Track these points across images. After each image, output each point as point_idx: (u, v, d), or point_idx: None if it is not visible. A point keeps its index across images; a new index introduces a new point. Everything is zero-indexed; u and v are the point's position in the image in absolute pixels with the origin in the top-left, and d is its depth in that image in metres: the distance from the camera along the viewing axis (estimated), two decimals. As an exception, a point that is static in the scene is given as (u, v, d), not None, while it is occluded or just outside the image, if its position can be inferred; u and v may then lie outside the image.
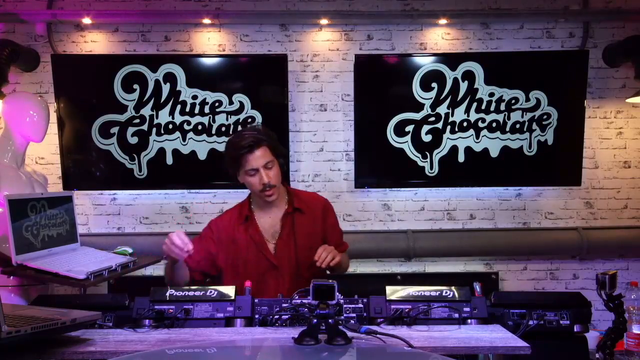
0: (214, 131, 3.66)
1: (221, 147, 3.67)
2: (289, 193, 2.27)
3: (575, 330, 1.73)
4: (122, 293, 1.81)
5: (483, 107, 3.68)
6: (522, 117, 3.68)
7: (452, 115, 3.68)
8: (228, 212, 2.33)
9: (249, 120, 3.66)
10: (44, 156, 3.78)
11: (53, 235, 2.12)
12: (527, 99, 3.67)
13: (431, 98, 3.67)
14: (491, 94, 3.67)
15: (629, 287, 1.77)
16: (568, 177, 3.76)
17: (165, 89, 3.64)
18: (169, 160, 3.68)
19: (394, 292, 1.80)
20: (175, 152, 3.68)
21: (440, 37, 3.80)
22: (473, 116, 3.68)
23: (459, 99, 3.67)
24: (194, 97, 3.64)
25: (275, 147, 2.17)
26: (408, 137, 3.69)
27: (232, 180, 2.21)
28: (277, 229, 2.22)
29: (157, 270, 3.75)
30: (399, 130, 3.68)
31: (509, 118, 3.68)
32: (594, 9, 3.75)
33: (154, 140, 3.66)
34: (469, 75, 3.66)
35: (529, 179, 3.78)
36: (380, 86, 3.69)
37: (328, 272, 2.14)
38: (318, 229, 2.25)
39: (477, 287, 1.86)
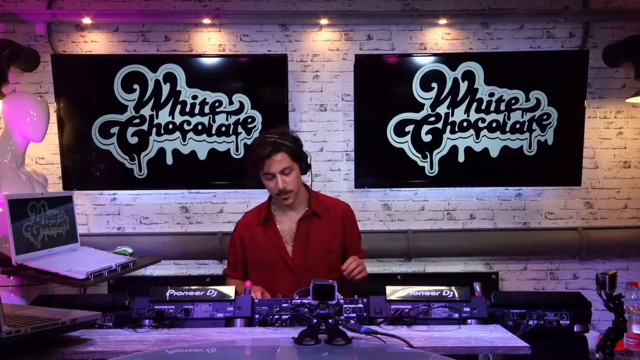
0: (214, 131, 3.66)
1: (221, 147, 3.68)
2: (310, 196, 2.30)
3: (575, 330, 1.73)
4: (122, 293, 1.81)
5: (483, 107, 3.67)
6: (522, 117, 3.68)
7: (452, 115, 3.68)
8: (249, 212, 2.39)
9: (249, 120, 3.66)
10: (44, 156, 3.78)
11: (53, 235, 2.13)
12: (527, 99, 3.67)
13: (431, 98, 3.67)
14: (491, 94, 3.67)
15: (629, 287, 1.77)
16: (568, 177, 3.76)
17: (165, 89, 3.64)
18: (169, 160, 3.68)
19: (394, 292, 1.80)
20: (175, 152, 3.68)
21: (440, 37, 3.80)
22: (473, 116, 3.68)
23: (459, 99, 3.67)
24: (194, 97, 3.64)
25: (296, 151, 2.19)
26: (408, 137, 3.68)
27: (250, 180, 2.25)
28: (295, 231, 2.23)
29: (157, 270, 3.77)
30: (399, 130, 3.68)
31: (509, 118, 3.68)
32: (594, 9, 3.75)
33: (154, 140, 3.66)
34: (469, 75, 3.66)
35: (529, 179, 3.77)
36: (380, 86, 3.68)
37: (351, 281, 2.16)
38: (337, 235, 2.26)
39: (477, 287, 1.86)
